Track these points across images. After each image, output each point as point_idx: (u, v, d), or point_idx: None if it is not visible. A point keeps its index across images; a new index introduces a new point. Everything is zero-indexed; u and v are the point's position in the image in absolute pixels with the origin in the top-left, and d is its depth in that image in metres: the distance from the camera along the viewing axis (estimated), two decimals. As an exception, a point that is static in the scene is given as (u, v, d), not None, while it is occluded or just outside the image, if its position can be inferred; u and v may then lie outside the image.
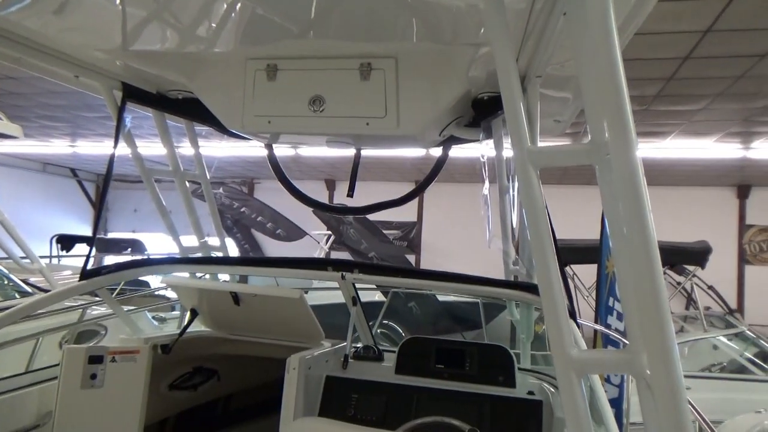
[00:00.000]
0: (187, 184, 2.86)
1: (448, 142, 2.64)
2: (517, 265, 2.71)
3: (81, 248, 13.43)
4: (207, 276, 3.07)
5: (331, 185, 16.96)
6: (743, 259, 14.84)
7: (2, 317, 2.20)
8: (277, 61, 2.24)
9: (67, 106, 10.02)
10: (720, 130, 9.31)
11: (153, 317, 5.14)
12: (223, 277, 3.09)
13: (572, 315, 1.95)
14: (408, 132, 2.21)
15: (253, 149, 11.71)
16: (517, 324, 2.88)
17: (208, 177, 2.90)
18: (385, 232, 13.41)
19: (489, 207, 2.52)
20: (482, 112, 2.33)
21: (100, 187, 19.21)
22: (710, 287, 8.70)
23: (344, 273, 2.57)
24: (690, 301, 8.49)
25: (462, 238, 14.36)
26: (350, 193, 2.68)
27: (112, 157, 2.43)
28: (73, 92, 9.02)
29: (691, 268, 6.90)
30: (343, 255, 15.10)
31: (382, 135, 2.26)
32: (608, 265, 4.65)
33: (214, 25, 1.95)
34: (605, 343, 4.36)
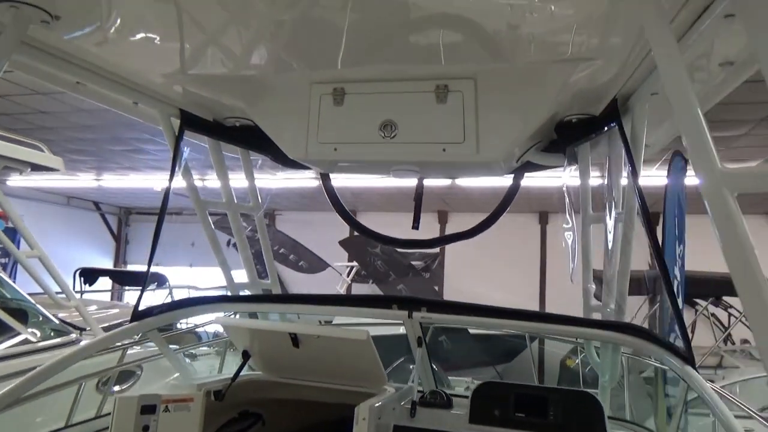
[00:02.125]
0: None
1: (523, 169, 2.46)
2: (599, 301, 2.48)
3: (103, 282, 13.40)
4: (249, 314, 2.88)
5: (354, 215, 16.86)
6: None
7: (56, 363, 2.04)
8: (345, 85, 2.10)
9: (95, 139, 10.06)
10: (761, 156, 9.06)
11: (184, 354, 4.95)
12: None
13: None
14: (488, 158, 2.04)
15: (274, 180, 11.66)
16: (596, 367, 2.64)
17: (263, 210, 2.74)
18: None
19: (575, 240, 2.32)
20: (568, 136, 2.16)
21: (122, 220, 19.30)
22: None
23: (411, 311, 2.37)
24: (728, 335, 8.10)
25: (486, 270, 14.06)
26: (416, 225, 2.51)
27: (167, 190, 2.28)
28: (103, 125, 9.06)
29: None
30: (365, 287, 14.90)
31: (460, 162, 2.09)
32: None
33: (276, 48, 1.82)
34: None
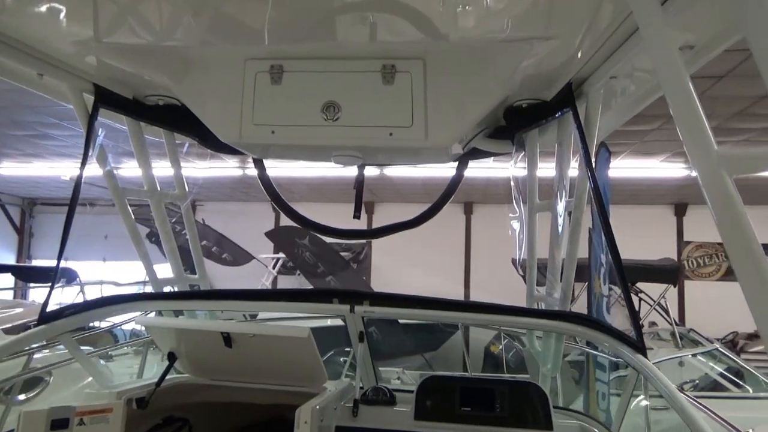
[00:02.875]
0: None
1: (469, 155, 2.38)
2: (541, 291, 2.46)
3: (5, 279, 12.34)
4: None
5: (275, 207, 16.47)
6: (683, 274, 15.39)
7: None
8: (283, 62, 1.93)
9: (-8, 123, 9.17)
10: (669, 150, 9.59)
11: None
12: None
13: None
14: (437, 143, 1.94)
15: (195, 169, 11.14)
16: (537, 356, 2.63)
17: (189, 199, 2.51)
18: (336, 254, 13.06)
19: (522, 229, 2.27)
20: (518, 122, 2.09)
21: (26, 212, 17.85)
22: (659, 304, 8.83)
23: (353, 305, 2.24)
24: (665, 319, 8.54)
25: (412, 259, 14.16)
26: (357, 214, 2.37)
27: (79, 176, 2.01)
28: (1, 106, 8.24)
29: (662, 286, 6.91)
30: (292, 279, 14.60)
31: (407, 147, 1.97)
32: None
33: (206, 17, 1.63)
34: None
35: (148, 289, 2.61)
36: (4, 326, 4.60)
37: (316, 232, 2.59)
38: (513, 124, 2.11)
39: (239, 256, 13.55)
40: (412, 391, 2.47)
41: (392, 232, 2.44)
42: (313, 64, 1.92)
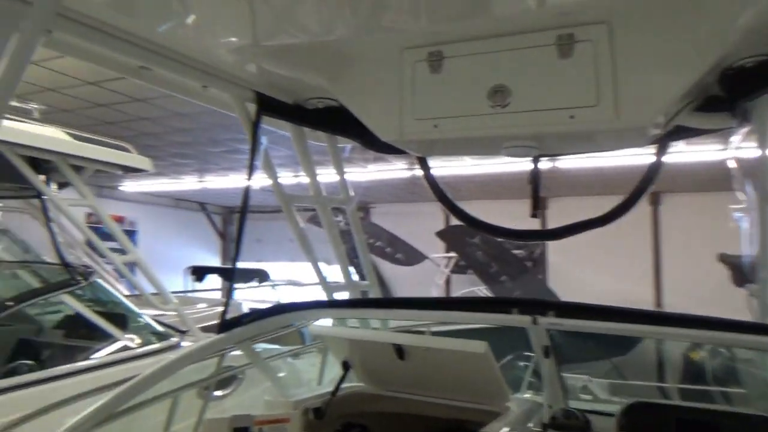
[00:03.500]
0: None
1: (671, 136, 1.96)
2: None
3: (213, 279, 13.94)
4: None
5: (446, 206, 16.39)
6: None
7: (142, 380, 1.87)
8: (443, 47, 1.72)
9: (194, 142, 10.36)
10: None
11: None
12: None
13: None
14: (630, 123, 1.58)
15: (366, 173, 11.49)
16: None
17: (355, 203, 2.43)
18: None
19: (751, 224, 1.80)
20: (739, 88, 1.64)
21: (226, 220, 20.11)
22: None
23: (536, 317, 1.96)
24: None
25: (592, 257, 13.07)
26: (534, 213, 2.08)
27: (247, 189, 2.03)
28: (200, 128, 9.27)
29: None
30: (464, 278, 14.39)
31: (592, 131, 1.65)
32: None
33: (359, 7, 1.48)
34: None
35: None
36: (208, 323, 5.02)
37: (487, 233, 2.35)
38: (733, 92, 1.66)
39: (412, 256, 13.75)
40: (608, 414, 2.12)
41: (578, 232, 2.10)
42: (475, 45, 1.69)
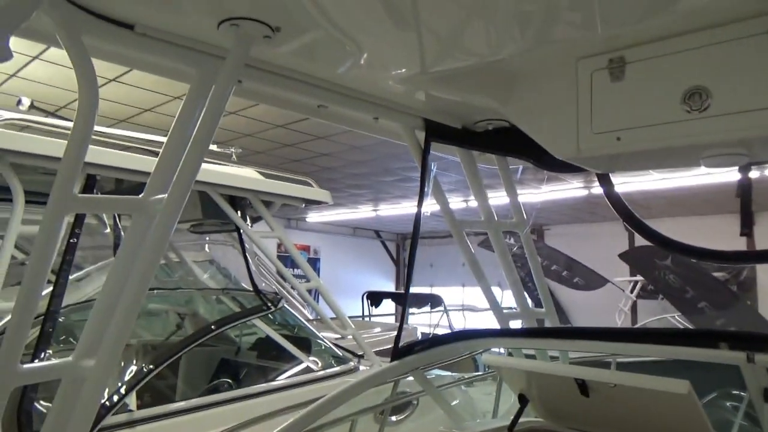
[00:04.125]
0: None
1: None
2: None
3: (388, 304, 14.42)
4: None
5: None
6: None
7: (327, 401, 1.96)
8: (624, 52, 1.57)
9: (368, 173, 10.91)
10: None
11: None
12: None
13: None
14: None
15: (540, 194, 11.05)
16: None
17: (529, 227, 2.31)
18: (708, 275, 11.07)
19: None
20: None
21: (399, 246, 20.76)
22: None
23: (752, 353, 1.65)
24: None
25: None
26: (745, 231, 1.79)
27: (418, 210, 2.03)
28: (373, 159, 9.75)
29: None
30: (653, 304, 13.05)
31: None
32: None
33: (527, 20, 1.40)
34: None
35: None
36: (384, 347, 5.16)
37: (684, 255, 2.07)
38: None
39: (592, 280, 12.86)
40: None
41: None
42: (664, 45, 1.51)
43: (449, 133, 2.05)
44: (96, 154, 2.67)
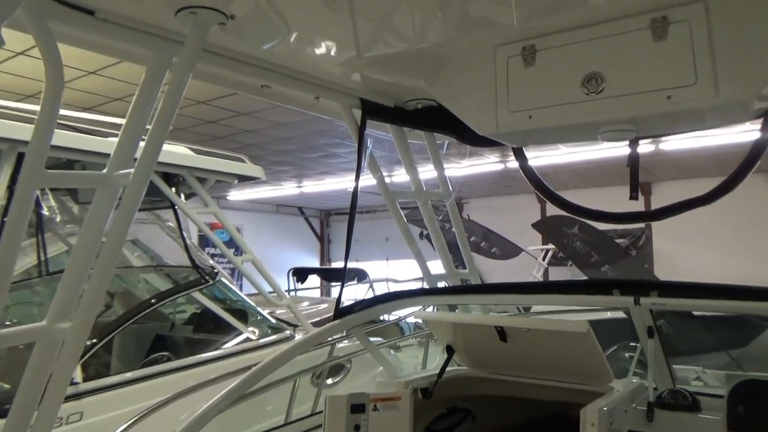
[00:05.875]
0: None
1: None
2: None
3: (312, 279, 14.57)
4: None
5: (542, 198, 15.96)
6: None
7: (273, 360, 2.11)
8: (535, 41, 1.82)
9: (292, 150, 10.92)
10: None
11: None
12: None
13: None
14: (732, 99, 1.60)
15: (461, 168, 11.52)
16: None
17: (453, 196, 2.57)
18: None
19: None
20: None
21: (324, 222, 20.85)
22: None
23: (638, 297, 1.99)
24: None
25: (703, 243, 12.25)
26: (634, 195, 2.11)
27: (356, 186, 2.22)
28: (298, 136, 9.77)
29: None
30: (563, 271, 14.03)
31: (690, 110, 1.68)
32: None
33: (453, 12, 1.61)
34: None
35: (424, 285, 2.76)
36: (314, 320, 5.35)
37: (588, 218, 2.39)
38: None
39: (508, 250, 13.62)
40: (718, 396, 2.10)
41: (679, 212, 2.10)
42: (567, 36, 1.77)
43: (383, 112, 2.25)
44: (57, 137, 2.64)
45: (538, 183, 2.37)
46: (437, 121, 2.27)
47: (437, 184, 2.62)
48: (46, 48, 1.32)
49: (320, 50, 1.82)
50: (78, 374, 2.74)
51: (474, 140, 2.31)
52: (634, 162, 2.14)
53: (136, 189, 1.45)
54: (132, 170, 1.44)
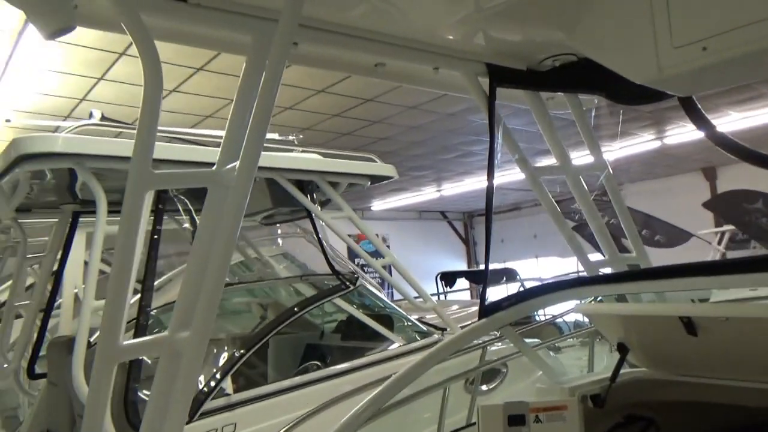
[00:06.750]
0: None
1: None
2: None
3: (461, 283, 14.32)
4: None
5: (710, 174, 14.19)
6: None
7: (416, 365, 1.92)
8: None
9: (428, 153, 10.81)
10: None
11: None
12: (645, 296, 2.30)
13: None
14: None
15: (611, 152, 10.58)
16: None
17: (609, 168, 2.18)
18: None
19: None
20: None
21: (467, 224, 20.53)
22: None
23: None
24: None
25: None
26: None
27: (491, 168, 1.95)
28: (431, 137, 9.64)
29: None
30: (747, 254, 12.25)
31: None
32: None
33: None
34: None
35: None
36: (463, 324, 5.10)
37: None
38: None
39: (674, 236, 12.20)
40: None
41: None
42: None
43: (514, 76, 1.96)
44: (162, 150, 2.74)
45: (722, 139, 1.91)
46: (581, 79, 1.93)
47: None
48: (142, 42, 1.24)
49: (433, 10, 1.60)
50: (229, 385, 2.77)
51: (629, 97, 1.93)
52: None
53: (243, 183, 1.33)
54: (237, 163, 1.33)
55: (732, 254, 12.65)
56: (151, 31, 1.26)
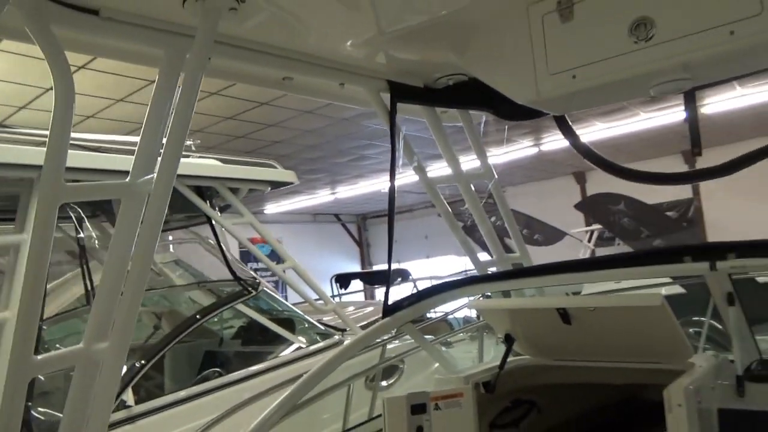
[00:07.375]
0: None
1: None
2: None
3: (355, 284, 14.50)
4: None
5: (581, 178, 15.56)
6: None
7: (325, 365, 2.00)
8: None
9: (323, 156, 10.89)
10: None
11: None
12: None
13: None
14: None
15: (497, 156, 11.27)
16: None
17: (496, 177, 2.42)
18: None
19: None
20: None
21: (361, 226, 20.81)
22: None
23: (714, 262, 1.81)
24: None
25: (760, 210, 11.63)
26: (696, 150, 1.93)
27: (392, 173, 2.10)
28: (327, 141, 9.73)
29: None
30: (612, 251, 13.54)
31: (758, 44, 1.49)
32: None
33: None
34: None
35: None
36: (361, 323, 5.26)
37: (639, 181, 2.19)
38: None
39: (551, 235, 13.22)
40: None
41: (745, 166, 1.91)
42: None
43: (413, 92, 2.12)
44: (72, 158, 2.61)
45: (585, 149, 2.20)
46: (471, 97, 2.14)
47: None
48: (52, 52, 1.24)
49: (340, 31, 1.71)
50: (130, 397, 2.70)
51: (512, 114, 2.17)
52: (692, 117, 1.96)
53: (161, 195, 1.36)
54: (154, 175, 1.36)
55: (600, 251, 13.97)
56: (62, 43, 1.26)
